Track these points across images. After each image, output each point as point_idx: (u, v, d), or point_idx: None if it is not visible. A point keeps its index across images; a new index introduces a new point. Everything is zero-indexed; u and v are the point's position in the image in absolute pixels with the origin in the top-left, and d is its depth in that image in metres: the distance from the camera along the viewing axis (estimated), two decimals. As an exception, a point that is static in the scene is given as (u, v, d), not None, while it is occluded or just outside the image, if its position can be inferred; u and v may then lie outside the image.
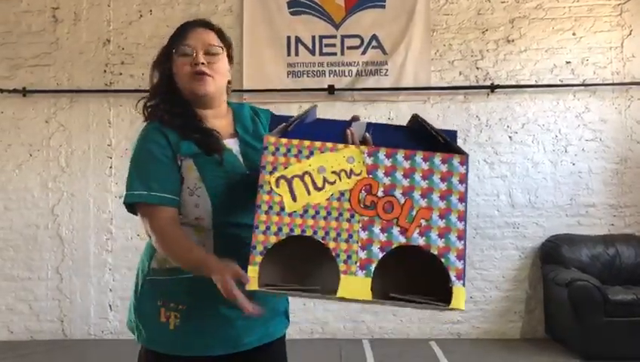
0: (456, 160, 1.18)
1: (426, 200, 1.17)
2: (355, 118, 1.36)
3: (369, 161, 1.18)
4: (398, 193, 1.17)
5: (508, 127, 4.63)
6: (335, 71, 4.66)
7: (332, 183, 1.18)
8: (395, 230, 1.15)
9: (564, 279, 4.03)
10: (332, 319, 4.56)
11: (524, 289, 4.57)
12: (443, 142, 1.25)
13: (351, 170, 1.18)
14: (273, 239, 1.16)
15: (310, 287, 1.19)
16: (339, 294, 1.13)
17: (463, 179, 1.18)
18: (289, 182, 1.18)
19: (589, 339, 3.85)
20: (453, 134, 1.34)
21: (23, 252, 4.64)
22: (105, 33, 4.72)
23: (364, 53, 4.65)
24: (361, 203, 1.17)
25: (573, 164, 4.60)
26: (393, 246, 1.15)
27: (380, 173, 1.18)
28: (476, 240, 4.54)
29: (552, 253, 4.39)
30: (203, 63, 1.46)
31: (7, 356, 4.17)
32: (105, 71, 4.72)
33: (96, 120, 4.70)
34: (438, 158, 1.18)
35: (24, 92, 4.65)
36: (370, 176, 1.17)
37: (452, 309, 1.14)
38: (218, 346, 1.44)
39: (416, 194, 1.17)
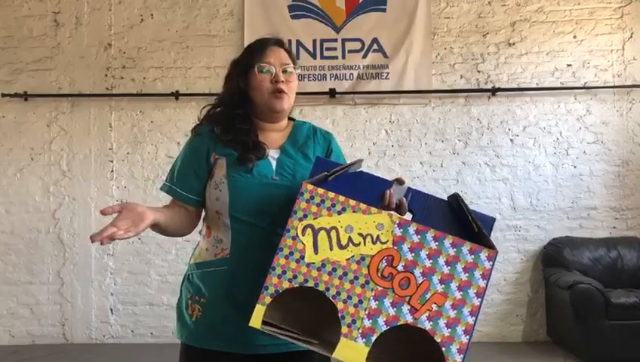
0: (484, 253, 1.15)
1: (443, 286, 1.14)
2: (399, 181, 1.36)
3: (398, 232, 1.16)
4: (417, 272, 1.15)
5: (509, 130, 4.63)
6: (336, 74, 4.66)
7: (356, 245, 1.17)
8: (405, 308, 1.14)
9: (565, 282, 4.02)
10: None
11: (525, 292, 4.56)
12: (477, 231, 1.22)
13: (377, 237, 1.17)
14: (286, 284, 1.16)
15: (308, 339, 1.18)
16: (334, 355, 1.13)
17: (486, 275, 1.14)
18: (315, 233, 1.18)
19: (591, 342, 3.84)
20: (489, 222, 1.30)
21: (25, 256, 4.64)
22: (106, 37, 4.73)
23: (365, 56, 4.66)
24: (379, 272, 1.15)
25: (575, 167, 4.60)
26: (399, 323, 1.14)
27: (405, 248, 1.16)
28: (478, 243, 4.53)
29: (553, 256, 4.38)
30: (283, 82, 1.55)
31: (8, 360, 4.16)
32: (106, 75, 4.72)
33: (98, 124, 4.71)
34: (466, 247, 1.15)
35: (25, 96, 4.66)
36: (395, 247, 1.16)
37: None
38: (230, 344, 1.45)
39: (435, 278, 1.14)
